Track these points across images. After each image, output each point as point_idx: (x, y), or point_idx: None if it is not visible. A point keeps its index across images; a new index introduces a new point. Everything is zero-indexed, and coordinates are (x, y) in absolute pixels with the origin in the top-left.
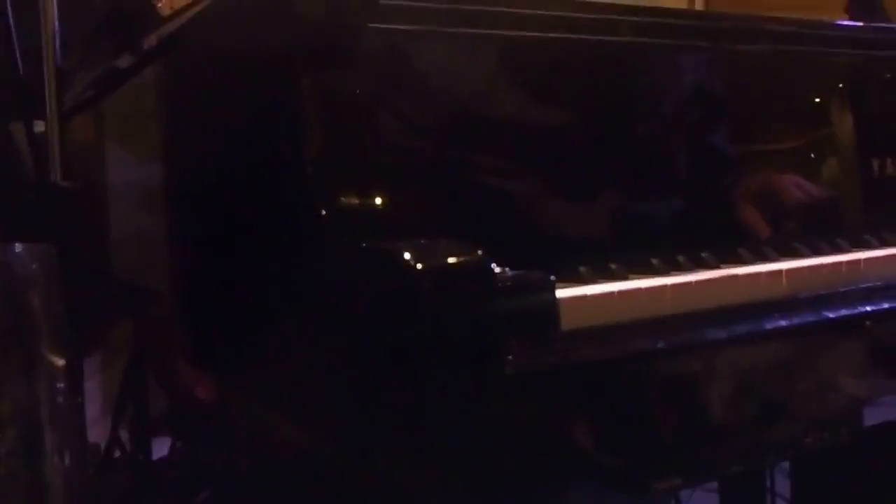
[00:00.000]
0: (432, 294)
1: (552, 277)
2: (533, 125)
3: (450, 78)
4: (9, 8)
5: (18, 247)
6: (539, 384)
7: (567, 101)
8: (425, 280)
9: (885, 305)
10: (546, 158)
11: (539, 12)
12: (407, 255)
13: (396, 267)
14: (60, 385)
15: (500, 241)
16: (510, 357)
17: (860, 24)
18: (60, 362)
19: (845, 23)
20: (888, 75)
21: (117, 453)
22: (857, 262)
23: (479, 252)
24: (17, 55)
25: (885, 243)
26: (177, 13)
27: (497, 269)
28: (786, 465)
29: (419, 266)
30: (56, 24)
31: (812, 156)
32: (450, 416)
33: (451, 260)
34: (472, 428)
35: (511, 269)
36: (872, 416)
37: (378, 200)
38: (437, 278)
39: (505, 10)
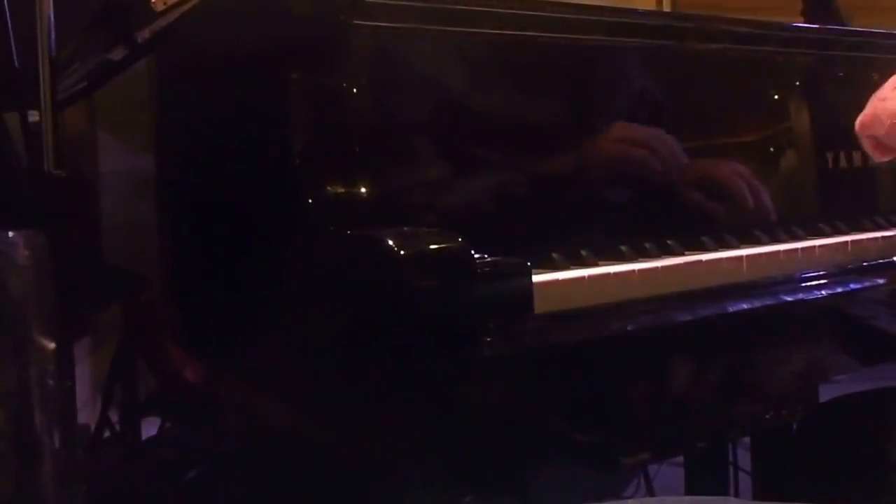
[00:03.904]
0: (414, 279)
1: (528, 263)
2: (510, 120)
3: (431, 73)
4: (4, 0)
5: (10, 233)
6: (514, 365)
7: (541, 97)
8: (407, 266)
9: (839, 289)
10: (522, 152)
11: (516, 11)
12: (390, 242)
13: (380, 253)
14: (51, 368)
15: (478, 229)
16: (488, 339)
17: (815, 25)
18: (51, 346)
19: (802, 24)
20: (841, 74)
21: (107, 434)
22: (812, 248)
23: (459, 239)
24: (13, 46)
25: (837, 231)
26: (170, 8)
27: (476, 256)
28: (748, 439)
29: (402, 252)
30: (51, 15)
31: (771, 149)
32: (431, 396)
33: (433, 246)
34: (451, 407)
35: (489, 255)
36: (827, 394)
37: (363, 190)
38: (419, 264)
39: (485, 9)
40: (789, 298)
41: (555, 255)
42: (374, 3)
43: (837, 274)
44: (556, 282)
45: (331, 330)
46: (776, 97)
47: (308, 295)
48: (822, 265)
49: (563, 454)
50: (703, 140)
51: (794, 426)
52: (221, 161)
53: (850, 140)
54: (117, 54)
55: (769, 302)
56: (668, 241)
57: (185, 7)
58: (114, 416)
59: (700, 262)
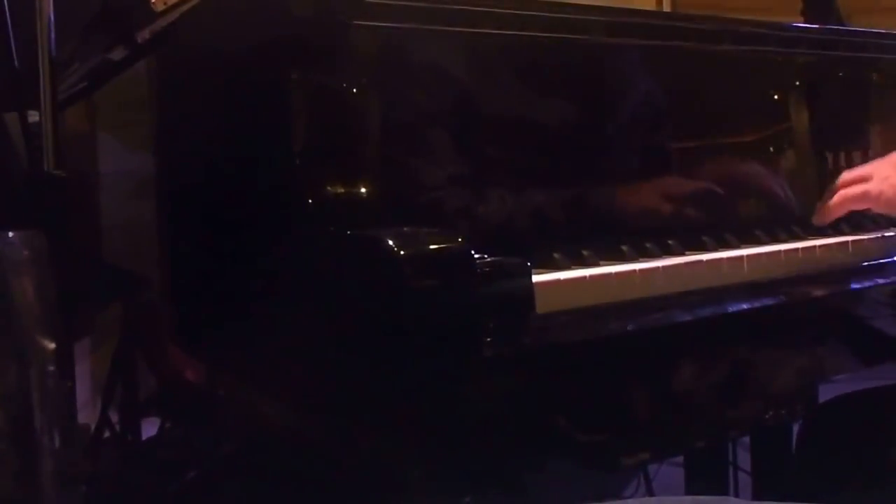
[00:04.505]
0: (414, 279)
1: (528, 263)
2: (510, 120)
3: (431, 73)
4: (5, 0)
5: (10, 233)
6: (515, 365)
7: (541, 97)
8: (408, 266)
9: (839, 289)
10: (523, 152)
11: (516, 12)
12: (390, 242)
13: (380, 253)
14: (51, 368)
15: (479, 229)
16: (488, 339)
17: (815, 25)
18: (51, 346)
19: (801, 24)
20: (841, 74)
21: (107, 434)
22: (813, 248)
23: (460, 239)
24: (13, 46)
25: (837, 231)
26: (170, 8)
27: (476, 256)
28: (747, 439)
29: (402, 252)
30: (51, 15)
31: (771, 149)
32: (431, 396)
33: (433, 247)
34: (452, 407)
35: (489, 255)
36: (827, 394)
37: (363, 190)
38: (419, 264)
39: (485, 9)
40: (789, 298)
41: (556, 255)
42: (374, 3)
43: (838, 274)
44: (557, 282)
45: (331, 330)
46: (776, 97)
47: (308, 295)
48: (822, 265)
49: (563, 454)
50: (703, 140)
51: (795, 426)
52: (221, 161)
53: (850, 140)
54: (117, 54)
55: (769, 302)
56: (669, 241)
57: (185, 7)
58: (114, 416)
59: (701, 261)
